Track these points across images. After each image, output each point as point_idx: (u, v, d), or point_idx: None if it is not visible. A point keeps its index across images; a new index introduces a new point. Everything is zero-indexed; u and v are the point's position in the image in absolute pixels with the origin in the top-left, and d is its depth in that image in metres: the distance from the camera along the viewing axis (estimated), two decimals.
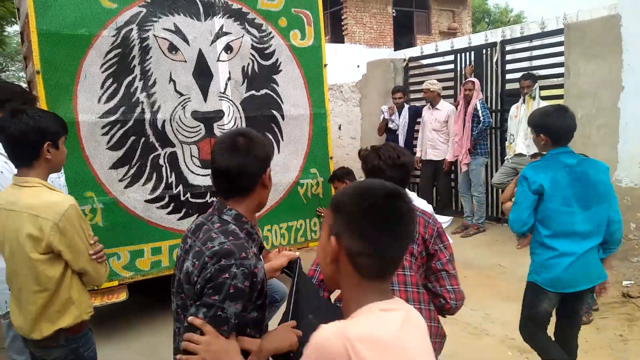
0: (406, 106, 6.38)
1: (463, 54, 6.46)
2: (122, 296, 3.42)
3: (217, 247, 1.25)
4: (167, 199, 3.59)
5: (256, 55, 3.94)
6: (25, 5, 3.17)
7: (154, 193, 3.55)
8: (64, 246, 1.78)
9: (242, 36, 3.85)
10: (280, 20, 4.03)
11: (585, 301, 2.67)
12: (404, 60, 7.44)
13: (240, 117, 3.87)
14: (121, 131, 3.41)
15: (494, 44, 6.05)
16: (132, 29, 3.40)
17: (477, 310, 3.81)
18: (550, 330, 2.59)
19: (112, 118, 3.38)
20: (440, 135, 6.02)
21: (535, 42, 6.03)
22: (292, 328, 1.39)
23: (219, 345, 1.22)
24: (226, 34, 3.77)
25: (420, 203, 2.40)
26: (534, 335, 2.56)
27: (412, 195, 2.26)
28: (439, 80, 6.21)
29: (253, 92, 3.93)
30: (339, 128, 8.48)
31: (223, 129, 3.76)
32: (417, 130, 6.38)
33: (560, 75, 5.12)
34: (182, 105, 3.61)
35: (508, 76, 5.93)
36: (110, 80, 3.36)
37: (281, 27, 4.04)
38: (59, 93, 3.19)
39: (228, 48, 3.80)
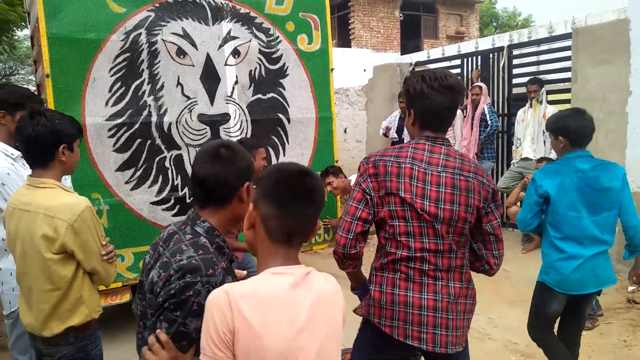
0: None
1: (470, 58, 6.45)
2: (126, 297, 3.45)
3: (184, 261, 1.26)
4: (172, 201, 3.62)
5: (263, 59, 3.96)
6: (35, 9, 3.21)
7: (160, 195, 3.57)
8: (77, 246, 1.81)
9: (250, 40, 3.87)
10: (288, 25, 4.05)
11: (592, 304, 2.66)
12: (411, 64, 7.43)
13: (247, 120, 3.89)
14: (128, 134, 3.44)
15: (501, 49, 6.04)
16: (140, 33, 3.44)
17: (480, 315, 3.79)
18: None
19: (119, 121, 3.40)
20: None
21: (543, 47, 6.01)
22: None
23: None
24: (234, 38, 3.80)
25: None
26: (541, 334, 2.57)
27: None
28: None
29: (260, 95, 3.95)
30: (345, 131, 8.49)
31: (229, 132, 3.78)
32: None
33: (568, 79, 5.09)
34: (188, 109, 3.64)
35: (515, 80, 5.92)
36: (118, 84, 3.40)
37: (289, 31, 4.05)
38: (67, 96, 3.22)
39: (235, 52, 3.82)
